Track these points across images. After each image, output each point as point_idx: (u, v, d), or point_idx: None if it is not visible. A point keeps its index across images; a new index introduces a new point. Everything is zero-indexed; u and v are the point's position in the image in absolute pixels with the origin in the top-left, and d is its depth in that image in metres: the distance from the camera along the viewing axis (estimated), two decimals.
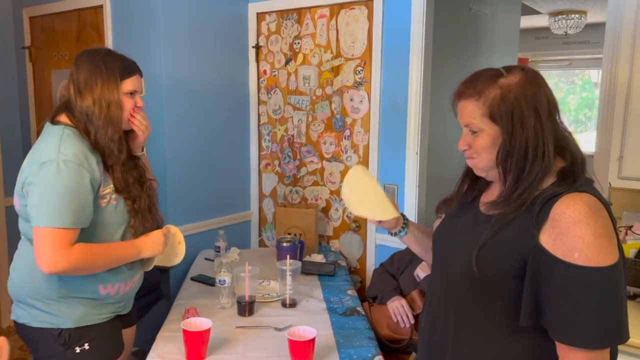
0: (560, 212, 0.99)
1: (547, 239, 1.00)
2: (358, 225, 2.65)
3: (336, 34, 2.59)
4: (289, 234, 2.57)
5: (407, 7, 2.34)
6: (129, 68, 1.54)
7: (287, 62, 2.79)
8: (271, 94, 2.88)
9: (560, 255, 0.97)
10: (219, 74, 2.78)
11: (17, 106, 3.34)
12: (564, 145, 1.08)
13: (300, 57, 2.74)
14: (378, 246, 2.58)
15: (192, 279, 2.30)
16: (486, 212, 1.13)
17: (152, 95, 2.56)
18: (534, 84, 1.07)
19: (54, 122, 1.49)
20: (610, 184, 1.95)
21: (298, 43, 2.73)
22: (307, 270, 2.32)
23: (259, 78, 2.91)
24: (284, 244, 2.29)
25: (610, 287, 0.97)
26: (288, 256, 2.00)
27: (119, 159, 1.49)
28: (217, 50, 2.75)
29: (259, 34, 2.87)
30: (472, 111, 1.09)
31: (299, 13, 2.71)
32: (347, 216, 2.69)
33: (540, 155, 1.04)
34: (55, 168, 1.36)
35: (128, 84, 1.52)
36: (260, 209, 3.03)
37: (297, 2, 2.68)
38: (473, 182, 1.25)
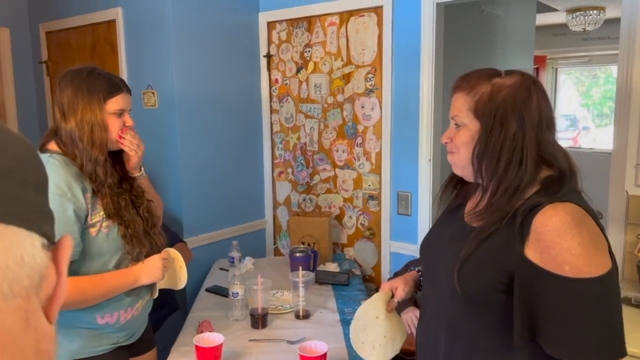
0: (542, 224, 0.96)
1: (534, 254, 0.97)
2: (372, 232, 2.63)
3: (346, 42, 2.58)
4: (303, 243, 2.57)
5: (417, 13, 2.32)
6: (114, 86, 1.47)
7: (298, 71, 2.79)
8: (283, 103, 2.88)
9: (550, 269, 0.95)
10: (231, 84, 2.79)
11: (36, 120, 3.41)
12: (551, 158, 1.05)
13: (311, 65, 2.73)
14: (392, 254, 2.56)
15: (206, 290, 2.31)
16: (469, 222, 1.11)
17: (164, 107, 2.59)
18: (527, 90, 1.05)
19: (42, 150, 1.45)
20: (627, 191, 1.90)
21: (309, 51, 2.73)
22: (321, 279, 2.32)
23: (270, 87, 2.92)
24: (297, 254, 2.29)
25: (605, 298, 0.95)
26: (300, 267, 2.00)
27: (105, 182, 1.43)
28: (229, 60, 2.77)
29: (269, 42, 2.88)
30: (460, 104, 1.09)
31: (309, 21, 2.71)
32: (360, 224, 2.68)
33: (516, 162, 1.02)
34: None
35: (113, 103, 1.46)
36: (275, 217, 3.04)
37: (307, 11, 2.68)
38: (459, 188, 1.24)
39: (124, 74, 2.73)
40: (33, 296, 0.40)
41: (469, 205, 1.17)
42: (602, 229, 1.00)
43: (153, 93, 2.61)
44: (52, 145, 1.45)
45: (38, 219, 0.41)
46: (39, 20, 3.25)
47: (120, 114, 1.49)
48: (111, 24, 2.78)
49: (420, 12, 2.30)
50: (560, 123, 6.55)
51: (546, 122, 1.05)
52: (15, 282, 0.38)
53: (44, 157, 1.41)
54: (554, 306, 0.95)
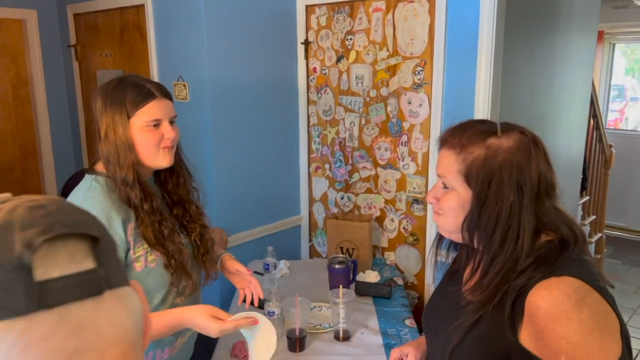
0: (534, 306, 0.83)
1: (529, 338, 0.84)
2: (416, 238, 2.46)
3: (393, 30, 2.34)
4: (341, 248, 2.42)
5: (475, 0, 2.05)
6: (143, 95, 1.26)
7: (338, 60, 2.57)
8: (321, 94, 2.68)
9: (545, 358, 0.82)
10: (266, 72, 2.60)
11: (66, 107, 3.32)
12: (552, 228, 0.92)
13: (352, 55, 2.51)
14: (439, 262, 2.38)
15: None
16: (465, 294, 0.98)
17: (196, 101, 2.44)
18: (527, 154, 0.91)
19: (90, 169, 1.32)
20: None
21: (350, 39, 2.50)
22: (361, 291, 2.17)
23: (308, 76, 2.71)
24: (336, 266, 2.14)
25: None
26: (340, 286, 1.85)
27: (141, 208, 1.26)
28: (264, 47, 2.57)
29: (308, 28, 2.66)
30: (449, 164, 0.96)
31: (351, 6, 2.47)
32: (403, 228, 2.50)
33: (512, 238, 0.89)
34: None
35: (143, 115, 1.26)
36: (311, 214, 2.88)
37: None
38: (455, 247, 1.12)
39: (153, 64, 2.57)
40: (141, 337, 0.46)
41: (467, 271, 1.03)
42: (612, 301, 0.83)
43: (184, 85, 2.45)
44: (100, 166, 1.31)
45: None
46: (67, 2, 3.11)
47: (155, 124, 1.28)
48: (140, 8, 2.61)
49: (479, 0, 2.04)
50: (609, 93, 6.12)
51: (546, 188, 0.91)
52: (141, 331, 0.45)
53: (88, 179, 1.29)
54: None
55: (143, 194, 1.27)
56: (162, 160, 1.30)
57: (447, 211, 0.97)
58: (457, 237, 0.99)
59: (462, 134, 0.95)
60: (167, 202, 1.40)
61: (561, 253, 0.87)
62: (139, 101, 1.26)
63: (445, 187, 0.98)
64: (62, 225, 0.41)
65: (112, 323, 0.41)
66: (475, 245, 0.96)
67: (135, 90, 1.27)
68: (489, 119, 2.12)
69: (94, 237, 0.42)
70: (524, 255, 0.88)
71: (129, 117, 1.25)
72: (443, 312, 1.05)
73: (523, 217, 0.89)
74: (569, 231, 0.91)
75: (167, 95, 1.32)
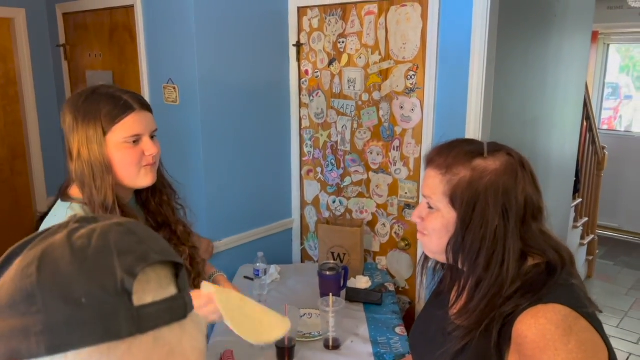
0: (522, 335, 0.82)
1: None
2: (408, 243, 2.44)
3: (385, 34, 2.32)
4: (332, 253, 2.40)
5: (468, 5, 2.03)
6: (120, 108, 1.13)
7: (330, 63, 2.55)
8: (313, 97, 2.65)
9: None
10: (258, 76, 2.57)
11: (55, 108, 3.27)
12: (538, 252, 0.90)
13: (345, 58, 2.48)
14: (430, 268, 2.37)
15: None
16: (454, 320, 0.97)
17: (186, 103, 2.41)
18: (513, 176, 0.89)
19: (64, 197, 1.19)
20: None
21: (343, 42, 2.48)
22: (352, 297, 2.16)
23: (300, 79, 2.68)
24: (327, 273, 2.12)
25: None
26: (330, 295, 1.83)
27: None
28: (255, 49, 2.54)
29: (300, 30, 2.62)
30: (434, 185, 0.94)
31: (343, 9, 2.44)
32: (395, 233, 2.49)
33: (497, 263, 0.87)
34: None
35: (120, 130, 1.13)
36: (302, 217, 2.86)
37: None
38: (441, 268, 1.11)
39: (143, 65, 2.53)
40: None
41: (453, 293, 1.02)
42: (600, 328, 0.82)
43: (174, 88, 2.42)
44: (74, 190, 1.19)
45: None
46: (56, 1, 3.06)
47: (135, 140, 1.16)
48: (130, 9, 2.57)
49: (472, 4, 2.02)
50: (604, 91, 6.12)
51: (532, 212, 0.90)
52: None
53: (62, 208, 1.16)
54: None
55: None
56: (143, 179, 1.20)
57: (432, 232, 0.96)
58: (442, 258, 0.98)
59: (447, 154, 0.94)
60: (151, 225, 1.31)
61: (548, 278, 0.86)
62: (116, 115, 1.13)
63: (430, 207, 0.96)
64: (155, 253, 0.43)
65: (194, 347, 0.43)
66: (460, 267, 0.94)
67: (111, 102, 1.14)
68: (481, 125, 2.11)
69: (176, 263, 0.45)
70: (510, 281, 0.86)
71: (104, 133, 1.13)
72: (429, 336, 1.04)
73: (508, 241, 0.87)
74: (556, 255, 0.89)
75: (146, 107, 1.20)
